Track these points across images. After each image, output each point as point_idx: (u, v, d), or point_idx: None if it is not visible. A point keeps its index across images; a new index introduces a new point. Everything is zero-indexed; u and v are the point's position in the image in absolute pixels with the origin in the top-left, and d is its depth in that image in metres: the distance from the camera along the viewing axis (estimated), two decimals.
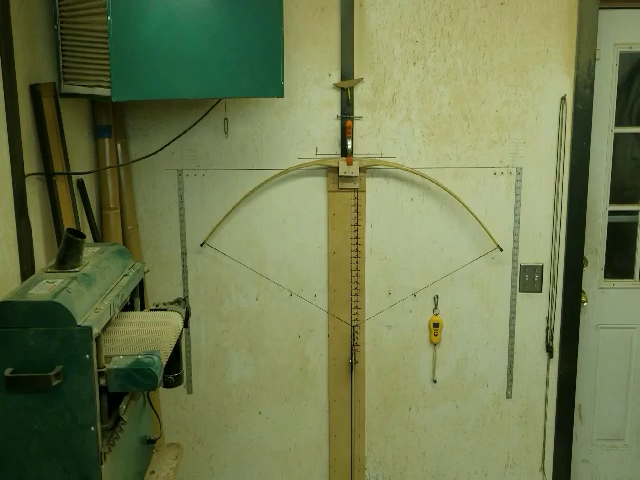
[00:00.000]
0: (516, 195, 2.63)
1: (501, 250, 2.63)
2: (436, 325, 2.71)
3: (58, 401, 1.42)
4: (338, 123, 2.58)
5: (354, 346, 2.73)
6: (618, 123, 2.67)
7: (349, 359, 2.74)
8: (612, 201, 2.73)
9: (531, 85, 2.56)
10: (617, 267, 2.80)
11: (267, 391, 2.79)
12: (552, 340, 2.72)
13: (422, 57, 2.54)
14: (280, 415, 2.81)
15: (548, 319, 2.72)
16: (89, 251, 1.75)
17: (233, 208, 2.62)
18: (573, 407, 2.79)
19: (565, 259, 2.67)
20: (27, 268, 1.87)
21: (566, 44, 2.53)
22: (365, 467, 2.86)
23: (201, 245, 2.66)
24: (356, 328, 2.72)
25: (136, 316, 1.79)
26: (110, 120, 2.44)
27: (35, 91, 1.99)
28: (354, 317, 2.71)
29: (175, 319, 1.79)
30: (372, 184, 2.63)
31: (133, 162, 2.54)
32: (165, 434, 2.76)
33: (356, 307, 2.70)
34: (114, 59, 1.89)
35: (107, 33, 1.88)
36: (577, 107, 2.57)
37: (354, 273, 2.67)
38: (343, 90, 2.55)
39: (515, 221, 2.64)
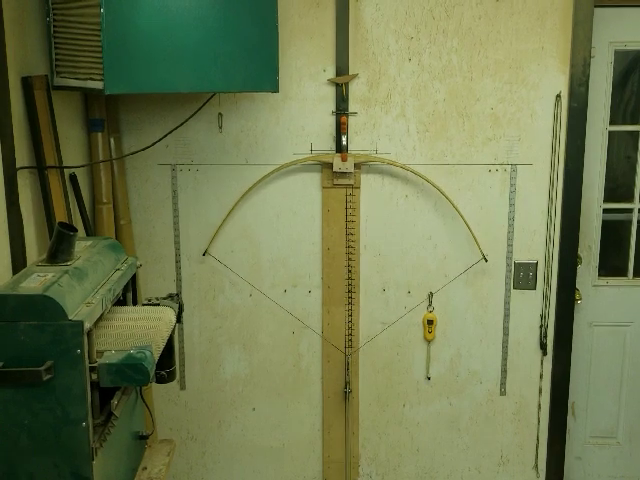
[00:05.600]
0: (511, 192, 2.63)
1: (486, 261, 2.62)
2: (430, 322, 2.71)
3: (49, 396, 1.41)
4: (333, 119, 2.57)
5: (348, 343, 2.72)
6: (613, 121, 2.67)
7: (343, 356, 2.73)
8: (606, 199, 2.73)
9: (526, 82, 2.55)
10: (611, 265, 2.80)
11: (261, 387, 2.78)
12: (546, 337, 2.72)
13: (417, 53, 2.53)
14: (274, 411, 2.80)
15: (542, 316, 2.72)
16: (81, 245, 1.74)
17: (230, 211, 2.61)
18: (566, 404, 2.80)
19: (559, 256, 2.67)
20: (18, 262, 1.85)
21: (561, 42, 2.52)
22: (359, 464, 2.85)
23: (203, 254, 2.65)
24: (350, 325, 2.71)
25: (128, 311, 1.78)
26: (103, 114, 2.43)
27: (27, 84, 1.97)
28: (348, 314, 2.70)
29: (168, 314, 1.78)
30: (367, 180, 2.62)
31: (126, 156, 2.53)
32: (158, 430, 2.75)
33: (350, 304, 2.69)
34: (107, 52, 1.87)
35: (100, 25, 1.87)
36: (572, 105, 2.56)
37: (348, 269, 2.67)
38: (338, 86, 2.54)
39: (509, 218, 2.64)
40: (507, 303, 2.71)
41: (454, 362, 2.76)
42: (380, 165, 2.60)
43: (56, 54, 2.07)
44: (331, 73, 2.54)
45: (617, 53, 2.62)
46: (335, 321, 2.71)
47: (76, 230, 1.61)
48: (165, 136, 2.41)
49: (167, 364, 1.82)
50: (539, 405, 2.79)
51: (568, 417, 2.82)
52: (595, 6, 2.50)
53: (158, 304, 1.85)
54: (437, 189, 2.59)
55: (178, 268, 2.67)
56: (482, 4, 2.50)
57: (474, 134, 2.59)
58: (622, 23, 2.61)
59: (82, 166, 2.35)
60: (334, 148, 2.58)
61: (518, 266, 2.67)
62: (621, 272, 2.80)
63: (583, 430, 2.89)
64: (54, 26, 2.05)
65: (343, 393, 2.76)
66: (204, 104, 2.41)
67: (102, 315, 1.57)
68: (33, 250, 1.98)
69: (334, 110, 2.56)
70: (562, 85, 2.55)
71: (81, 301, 1.48)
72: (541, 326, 2.73)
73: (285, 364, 2.76)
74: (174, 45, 1.97)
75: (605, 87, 2.63)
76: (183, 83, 2.03)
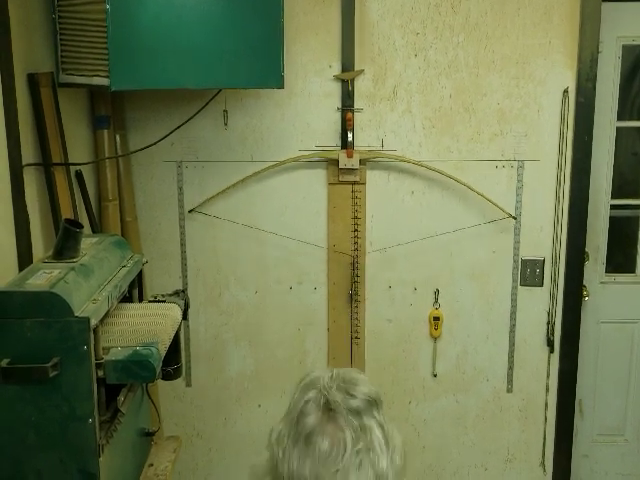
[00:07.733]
0: (517, 188, 2.61)
1: (515, 219, 2.58)
2: (436, 319, 2.70)
3: (55, 393, 1.41)
4: (338, 115, 2.56)
5: (354, 340, 2.72)
6: (620, 117, 2.65)
7: (349, 353, 2.73)
8: (614, 195, 2.71)
9: (533, 78, 2.53)
10: (618, 262, 2.79)
11: (266, 384, 2.78)
12: (553, 334, 2.71)
13: (423, 49, 2.52)
14: (279, 408, 2.77)
15: (549, 313, 2.70)
16: (87, 242, 1.73)
17: (226, 188, 2.60)
18: (574, 402, 2.78)
19: (566, 253, 2.66)
20: (24, 258, 1.85)
21: (569, 37, 2.50)
22: None
23: (190, 210, 2.64)
24: (356, 321, 2.70)
25: (134, 308, 1.78)
26: (109, 111, 2.42)
27: (33, 81, 1.97)
28: (354, 310, 2.70)
29: (174, 311, 1.78)
30: (372, 177, 2.61)
31: (132, 153, 2.52)
32: (164, 427, 2.75)
33: (356, 300, 2.69)
34: (112, 48, 1.87)
35: (105, 22, 1.86)
36: (579, 100, 2.55)
37: (354, 266, 2.66)
38: (344, 82, 2.53)
39: (516, 214, 2.63)
40: (514, 300, 2.69)
41: (460, 359, 2.75)
42: (386, 161, 2.59)
43: (62, 51, 2.06)
44: (337, 69, 2.53)
45: (625, 48, 2.60)
46: (341, 317, 2.70)
47: (82, 227, 1.60)
48: (171, 133, 2.40)
49: (173, 361, 1.81)
50: (546, 402, 2.78)
51: (575, 414, 2.81)
52: (603, 0, 2.48)
53: (164, 301, 1.84)
54: (453, 179, 2.54)
55: (184, 265, 2.67)
56: None
57: (480, 130, 2.57)
58: (630, 18, 2.59)
59: (88, 163, 2.35)
60: (340, 144, 2.57)
61: (525, 263, 2.66)
62: (629, 269, 2.79)
63: (590, 427, 2.88)
64: (60, 23, 2.05)
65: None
66: (209, 101, 2.40)
67: (108, 312, 1.56)
68: (39, 247, 1.98)
69: (340, 106, 2.55)
70: (569, 80, 2.53)
71: (87, 298, 1.48)
72: (548, 323, 2.71)
73: (291, 361, 2.75)
74: (179, 41, 1.96)
75: (613, 82, 2.61)
76: (188, 79, 2.03)
